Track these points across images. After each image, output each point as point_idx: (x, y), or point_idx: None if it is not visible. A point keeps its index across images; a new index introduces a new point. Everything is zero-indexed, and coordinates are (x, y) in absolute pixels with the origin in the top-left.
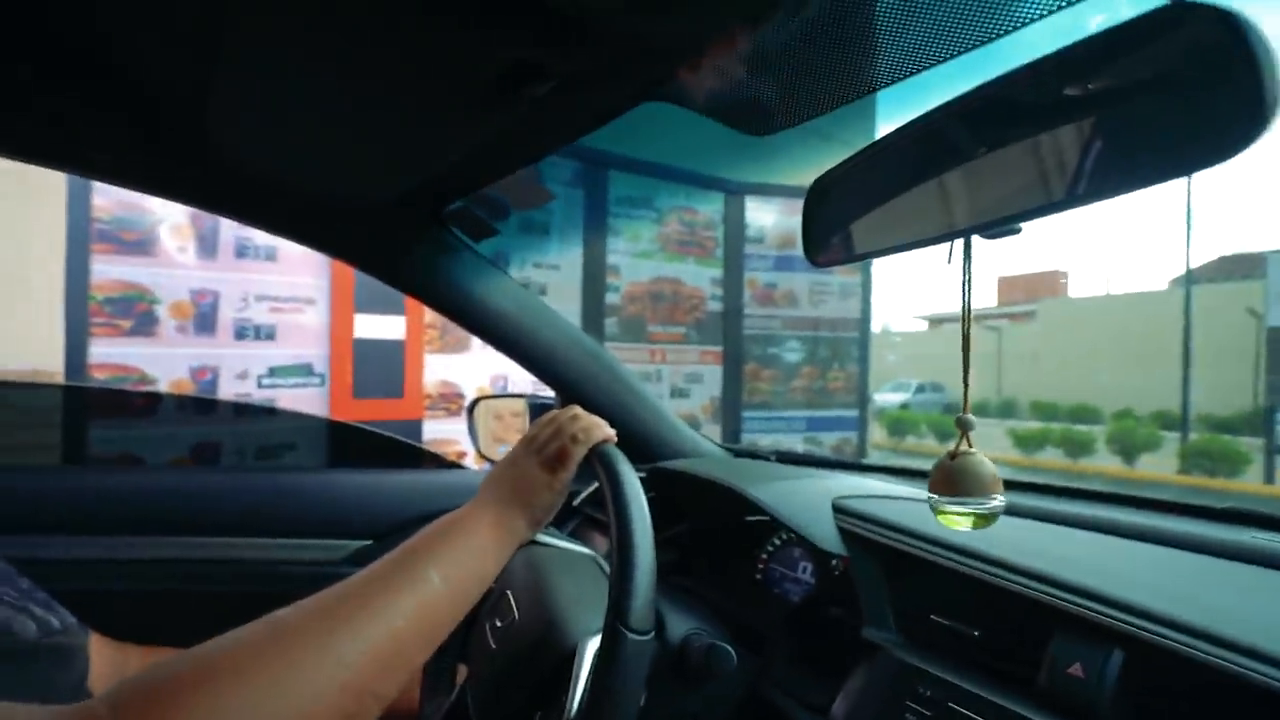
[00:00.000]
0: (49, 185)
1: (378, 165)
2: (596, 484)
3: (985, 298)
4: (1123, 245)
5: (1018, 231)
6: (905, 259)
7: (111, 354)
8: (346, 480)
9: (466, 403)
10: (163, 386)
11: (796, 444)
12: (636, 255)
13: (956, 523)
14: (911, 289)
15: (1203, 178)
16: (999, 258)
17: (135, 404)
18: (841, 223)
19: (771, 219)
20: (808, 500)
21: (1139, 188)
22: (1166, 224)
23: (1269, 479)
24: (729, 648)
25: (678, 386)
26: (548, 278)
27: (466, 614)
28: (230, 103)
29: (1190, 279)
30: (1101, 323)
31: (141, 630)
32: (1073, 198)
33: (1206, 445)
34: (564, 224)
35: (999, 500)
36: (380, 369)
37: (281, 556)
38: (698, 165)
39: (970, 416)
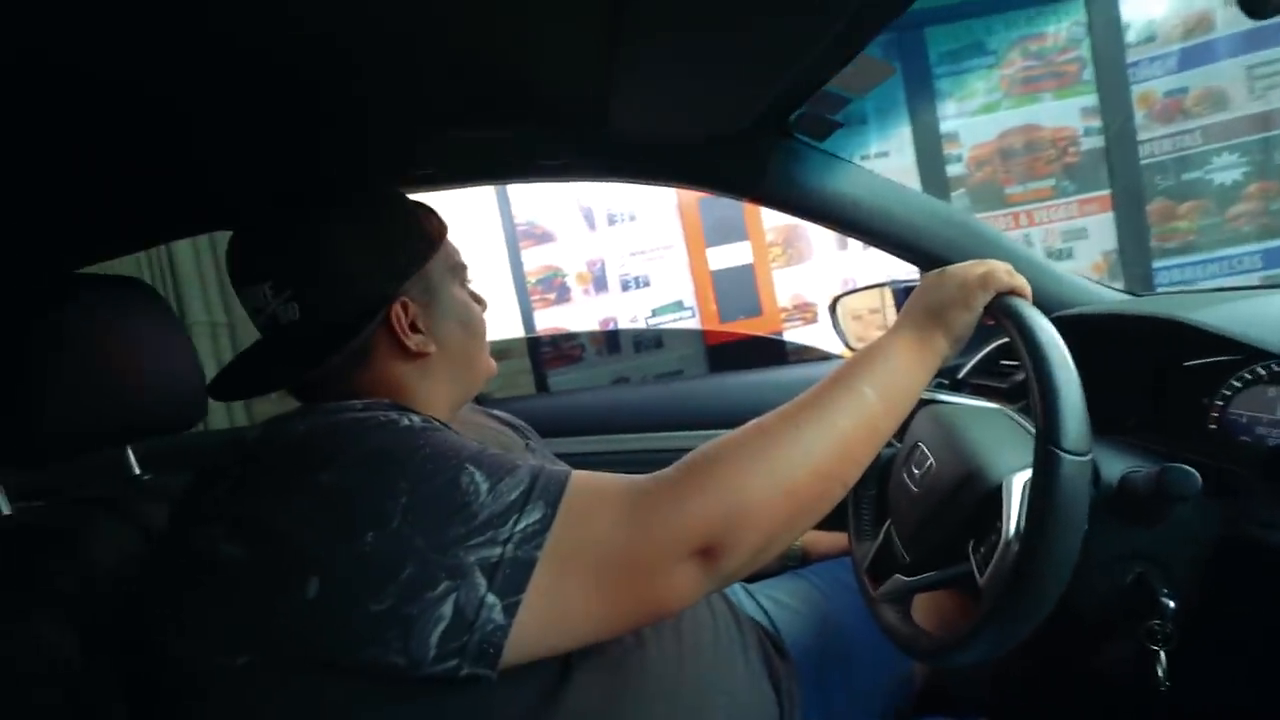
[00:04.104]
0: (484, 202)
1: (736, 99)
2: (978, 355)
3: None
4: None
5: None
6: None
7: (545, 319)
8: (738, 380)
9: (820, 307)
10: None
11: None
12: (976, 113)
13: None
14: None
15: None
16: None
17: (570, 350)
18: None
19: (1160, 6)
20: None
21: None
22: None
23: None
24: (1188, 468)
25: (1054, 248)
26: (877, 166)
27: (895, 429)
28: (628, 89)
29: None
30: None
31: None
32: None
33: None
34: (883, 104)
35: None
36: (737, 293)
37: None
38: None
39: None
